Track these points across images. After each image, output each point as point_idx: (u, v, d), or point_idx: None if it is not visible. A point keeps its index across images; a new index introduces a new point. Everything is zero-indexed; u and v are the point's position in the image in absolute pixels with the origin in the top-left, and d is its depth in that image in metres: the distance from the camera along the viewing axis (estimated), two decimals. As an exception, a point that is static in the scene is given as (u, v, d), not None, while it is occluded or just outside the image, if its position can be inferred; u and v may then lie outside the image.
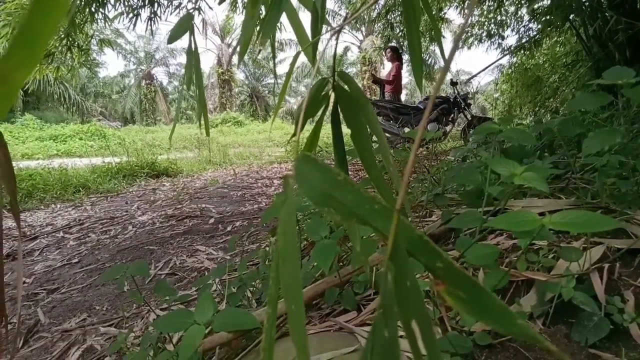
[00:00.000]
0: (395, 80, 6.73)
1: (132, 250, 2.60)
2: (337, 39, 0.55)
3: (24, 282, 2.14)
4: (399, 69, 6.71)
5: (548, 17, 4.65)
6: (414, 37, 0.70)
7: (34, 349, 1.55)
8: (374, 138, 0.62)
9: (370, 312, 1.01)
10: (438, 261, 0.24)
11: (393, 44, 7.27)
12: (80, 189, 5.02)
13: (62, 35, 4.05)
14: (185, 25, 0.89)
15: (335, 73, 0.58)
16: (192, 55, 0.97)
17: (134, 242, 2.77)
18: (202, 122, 1.05)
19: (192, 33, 0.93)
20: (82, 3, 3.49)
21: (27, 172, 5.22)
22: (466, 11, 6.56)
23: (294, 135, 0.68)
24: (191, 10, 0.98)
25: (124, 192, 5.05)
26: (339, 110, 0.61)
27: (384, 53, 7.50)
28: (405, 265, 0.25)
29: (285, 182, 0.35)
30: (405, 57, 6.90)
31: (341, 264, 1.34)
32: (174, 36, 0.91)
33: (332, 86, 0.58)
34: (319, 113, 0.60)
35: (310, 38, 0.75)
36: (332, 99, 0.59)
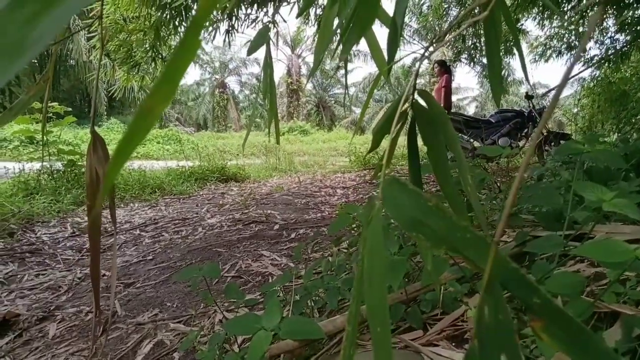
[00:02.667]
0: (444, 92, 6.42)
1: (201, 251, 2.72)
2: (420, 61, 0.55)
3: (105, 275, 2.31)
4: (447, 81, 6.41)
5: (639, 28, 4.33)
6: (495, 55, 0.68)
7: (110, 339, 1.67)
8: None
9: (437, 332, 0.98)
10: (535, 297, 0.24)
11: (464, 55, 7.07)
12: (156, 190, 5.33)
13: (148, 47, 4.36)
14: (263, 37, 0.94)
15: (415, 91, 0.58)
16: (268, 66, 1.02)
17: (203, 243, 2.90)
18: (273, 130, 1.10)
19: (268, 45, 0.97)
20: (168, 17, 3.74)
21: (110, 172, 5.63)
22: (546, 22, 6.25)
23: (370, 151, 0.69)
24: (267, 23, 1.03)
25: (195, 195, 5.32)
26: (416, 127, 0.61)
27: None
28: (499, 299, 0.24)
29: (371, 203, 0.35)
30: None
31: (406, 280, 1.32)
32: (253, 47, 0.96)
33: (410, 104, 0.58)
34: (396, 129, 0.60)
35: (385, 55, 0.76)
36: (409, 116, 0.59)
